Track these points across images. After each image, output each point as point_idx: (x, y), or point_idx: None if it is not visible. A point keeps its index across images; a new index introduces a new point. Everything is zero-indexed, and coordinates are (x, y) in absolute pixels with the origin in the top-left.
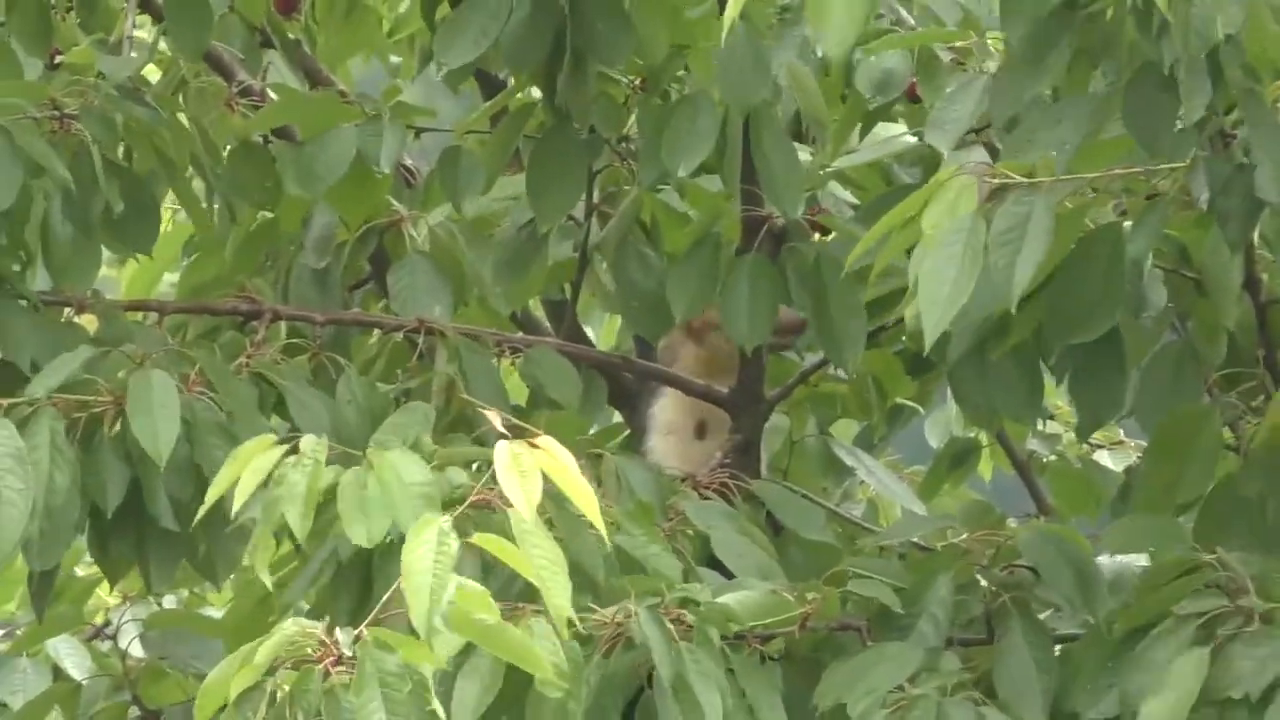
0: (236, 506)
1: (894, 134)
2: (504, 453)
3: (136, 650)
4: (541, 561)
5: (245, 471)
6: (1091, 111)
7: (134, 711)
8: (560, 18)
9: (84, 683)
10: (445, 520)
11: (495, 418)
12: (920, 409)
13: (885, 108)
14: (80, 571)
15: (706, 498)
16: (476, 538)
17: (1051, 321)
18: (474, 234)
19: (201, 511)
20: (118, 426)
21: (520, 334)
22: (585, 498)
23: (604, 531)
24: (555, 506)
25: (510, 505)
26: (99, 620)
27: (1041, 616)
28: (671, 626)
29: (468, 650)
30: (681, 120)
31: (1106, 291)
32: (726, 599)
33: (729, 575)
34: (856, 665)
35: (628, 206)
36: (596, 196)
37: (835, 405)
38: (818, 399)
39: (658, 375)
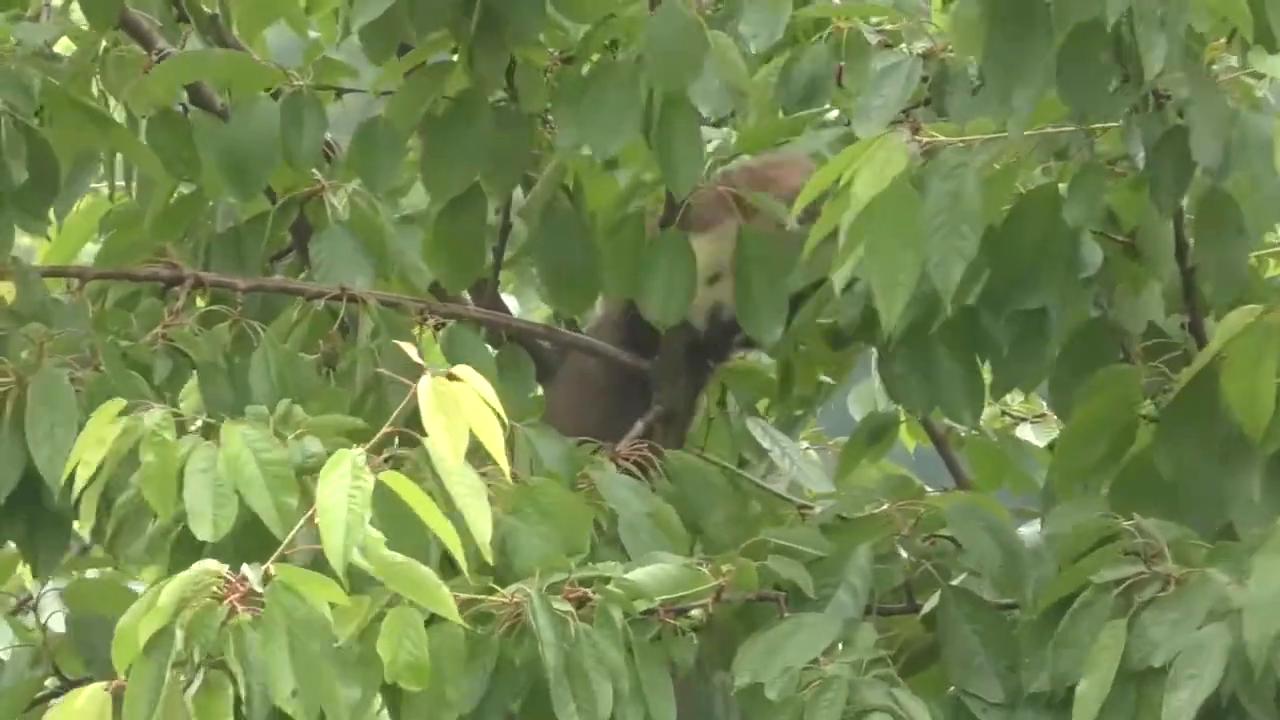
0: (79, 485)
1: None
2: (428, 389)
3: (58, 624)
4: (462, 490)
5: (83, 446)
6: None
7: (54, 683)
8: None
9: (3, 656)
10: (359, 454)
11: (410, 348)
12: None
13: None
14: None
15: (625, 470)
16: (384, 475)
17: (989, 289)
18: (393, 204)
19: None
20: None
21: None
22: (495, 441)
23: (508, 474)
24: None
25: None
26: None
27: (956, 582)
28: (571, 608)
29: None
30: (605, 96)
31: (1044, 256)
32: (638, 574)
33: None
34: (773, 639)
35: (551, 172)
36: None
37: (755, 382)
38: (737, 375)
39: (580, 344)
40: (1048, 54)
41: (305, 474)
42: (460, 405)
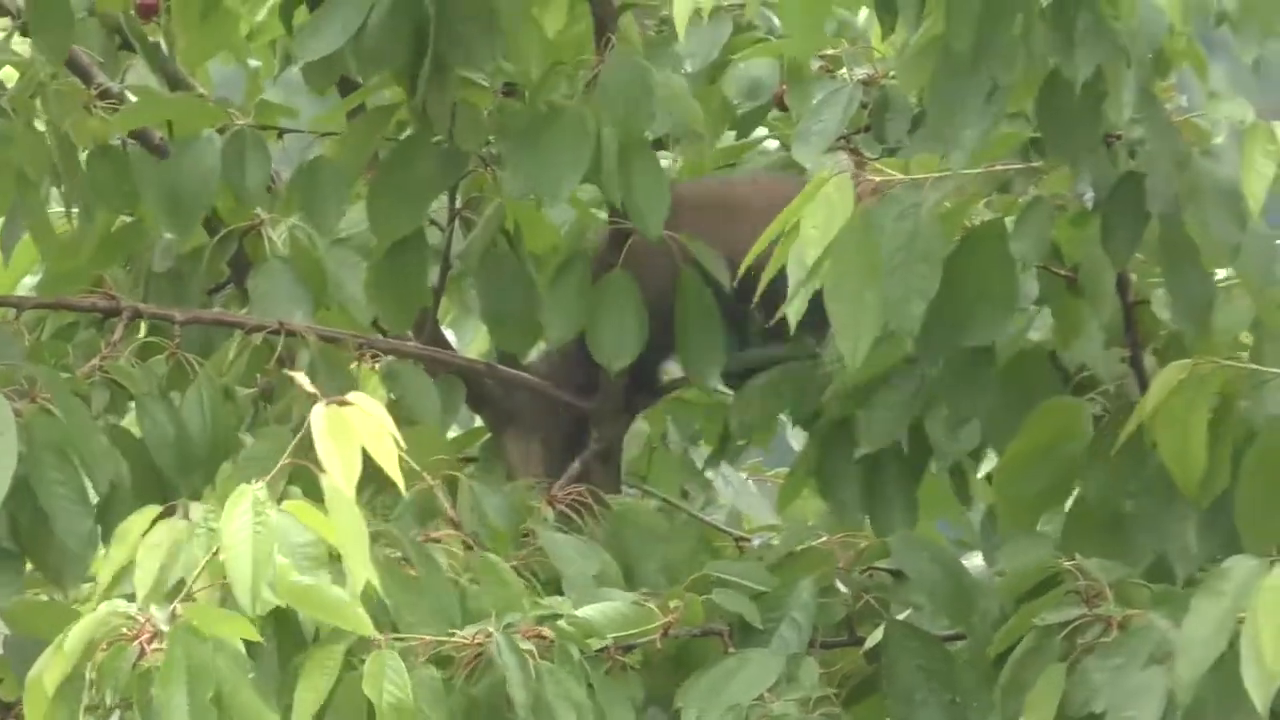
0: (142, 592)
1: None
2: (321, 418)
3: None
4: (345, 530)
5: (141, 551)
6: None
7: None
8: (423, 17)
9: None
10: (259, 488)
11: (302, 378)
12: None
13: (754, 115)
14: None
15: (562, 514)
16: (288, 505)
17: (936, 325)
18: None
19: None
20: None
21: (382, 338)
22: (390, 461)
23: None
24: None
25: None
26: None
27: (902, 617)
28: (531, 645)
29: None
30: (555, 140)
31: (992, 292)
32: (589, 611)
33: None
34: (717, 675)
35: (491, 214)
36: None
37: (697, 413)
38: (679, 406)
39: (521, 382)
40: (995, 93)
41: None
42: (353, 431)
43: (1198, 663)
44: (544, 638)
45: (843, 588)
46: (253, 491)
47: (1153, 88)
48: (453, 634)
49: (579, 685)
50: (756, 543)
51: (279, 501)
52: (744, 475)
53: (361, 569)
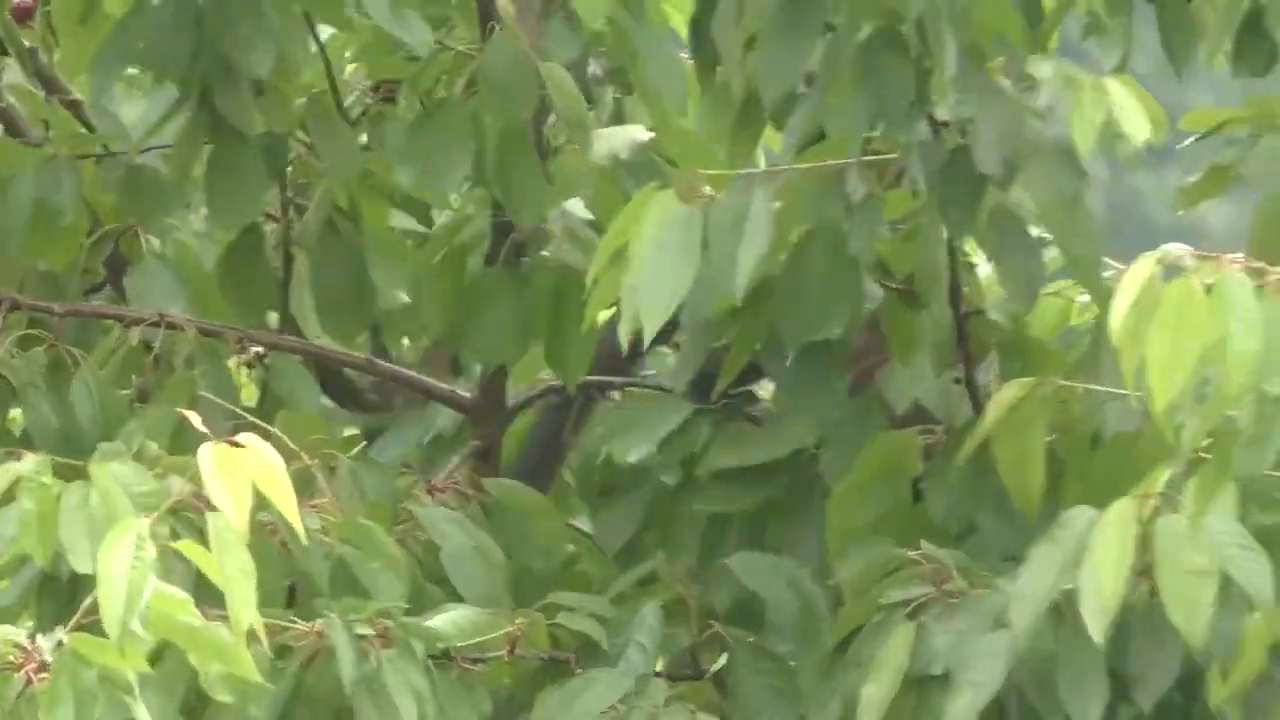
0: None
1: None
2: (210, 456)
3: None
4: (230, 570)
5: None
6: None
7: None
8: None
9: None
10: (143, 524)
11: (194, 418)
12: None
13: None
14: None
15: (442, 503)
16: (179, 544)
17: (783, 322)
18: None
19: None
20: None
21: (261, 332)
22: (287, 503)
23: (302, 536)
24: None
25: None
26: None
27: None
28: (372, 635)
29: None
30: (439, 133)
31: (834, 288)
32: (437, 621)
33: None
34: (566, 694)
35: (320, 199)
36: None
37: None
38: None
39: (399, 378)
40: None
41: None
42: (244, 470)
43: (1034, 606)
44: (387, 635)
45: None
46: (136, 527)
47: (981, 62)
48: (294, 621)
49: (421, 676)
50: None
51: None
52: None
53: (246, 611)
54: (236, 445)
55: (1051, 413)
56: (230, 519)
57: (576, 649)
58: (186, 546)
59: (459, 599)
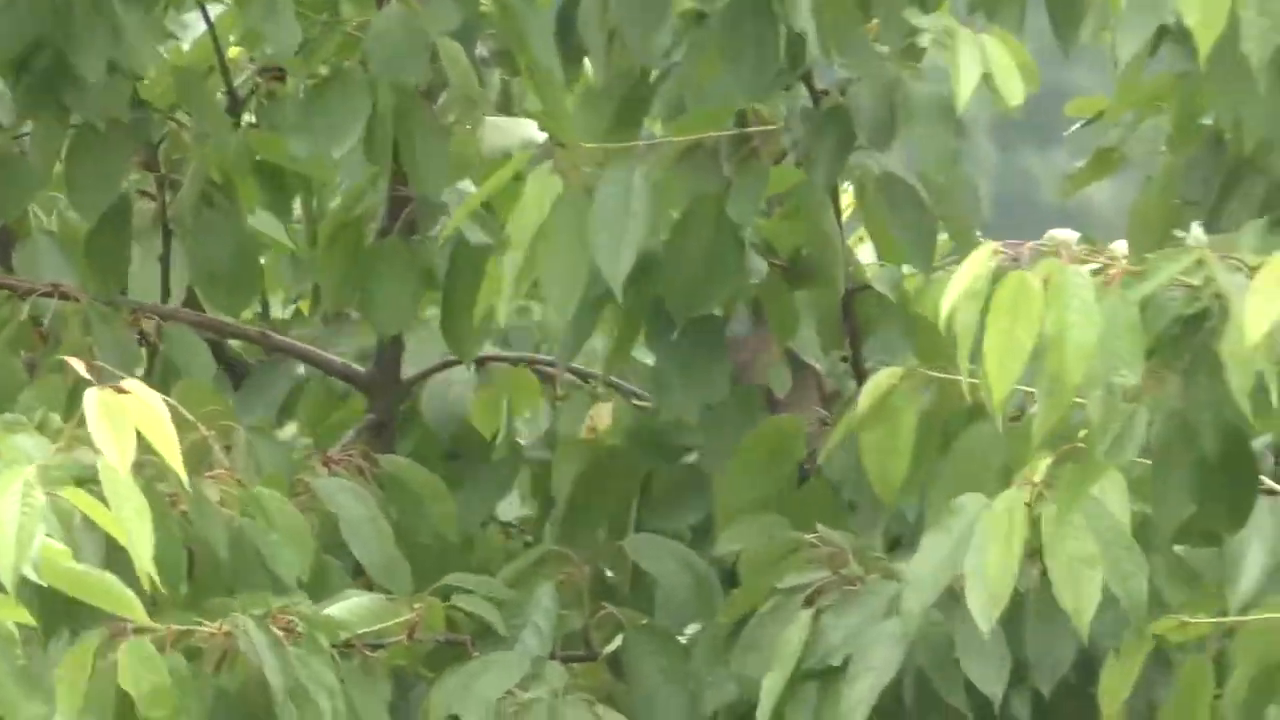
0: None
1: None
2: (94, 401)
3: None
4: (126, 512)
5: None
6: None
7: None
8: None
9: None
10: (30, 470)
11: (78, 364)
12: None
13: None
14: None
15: (336, 474)
16: (65, 491)
17: (667, 294)
18: None
19: None
20: None
21: (155, 304)
22: (170, 449)
23: (185, 480)
24: (182, 489)
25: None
26: None
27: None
28: (280, 634)
29: None
30: (331, 101)
31: (717, 262)
32: (335, 609)
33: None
34: (464, 676)
35: (194, 173)
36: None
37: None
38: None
39: (293, 350)
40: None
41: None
42: (128, 416)
43: (925, 594)
44: (291, 630)
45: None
46: (24, 474)
47: (858, 24)
48: (200, 624)
49: (330, 672)
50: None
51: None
52: None
53: (144, 550)
54: (122, 391)
55: (922, 401)
56: (113, 464)
57: (473, 632)
58: (76, 495)
59: (359, 570)
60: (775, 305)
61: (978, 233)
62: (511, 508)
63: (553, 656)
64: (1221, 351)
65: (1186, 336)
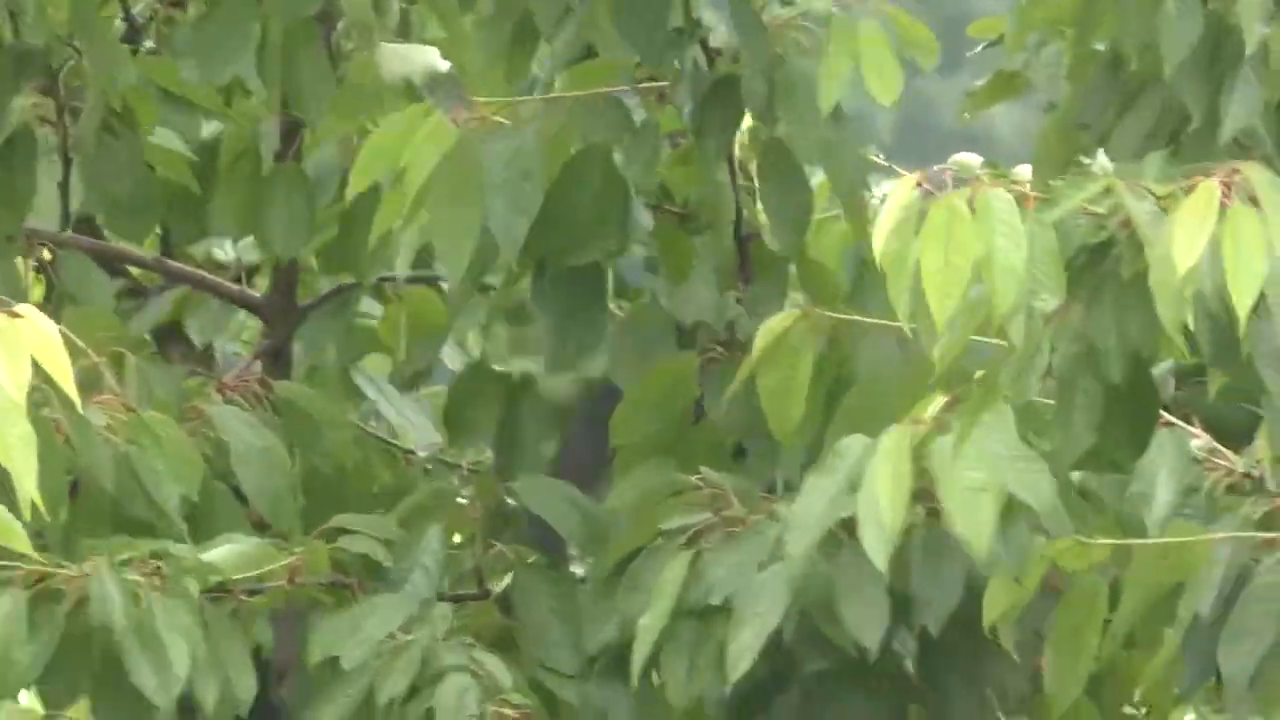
0: None
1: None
2: None
3: None
4: (10, 439)
5: None
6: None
7: None
8: None
9: None
10: None
11: None
12: None
13: None
14: None
15: (231, 401)
16: None
17: (547, 246)
18: None
19: None
20: None
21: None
22: (63, 374)
23: (78, 404)
24: (68, 415)
25: None
26: None
27: (531, 560)
28: (143, 579)
29: None
30: (219, 27)
31: (603, 210)
32: (212, 554)
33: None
34: (348, 618)
35: (94, 102)
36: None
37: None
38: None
39: (188, 278)
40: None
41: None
42: (22, 341)
43: (808, 536)
44: (160, 575)
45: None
46: None
47: None
48: (62, 566)
49: (192, 616)
50: (423, 454)
51: None
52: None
53: (28, 479)
54: (16, 316)
55: (819, 343)
56: (7, 389)
57: (360, 572)
58: None
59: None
60: (668, 251)
61: (880, 156)
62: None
63: (442, 597)
64: (1151, 284)
65: (1092, 264)
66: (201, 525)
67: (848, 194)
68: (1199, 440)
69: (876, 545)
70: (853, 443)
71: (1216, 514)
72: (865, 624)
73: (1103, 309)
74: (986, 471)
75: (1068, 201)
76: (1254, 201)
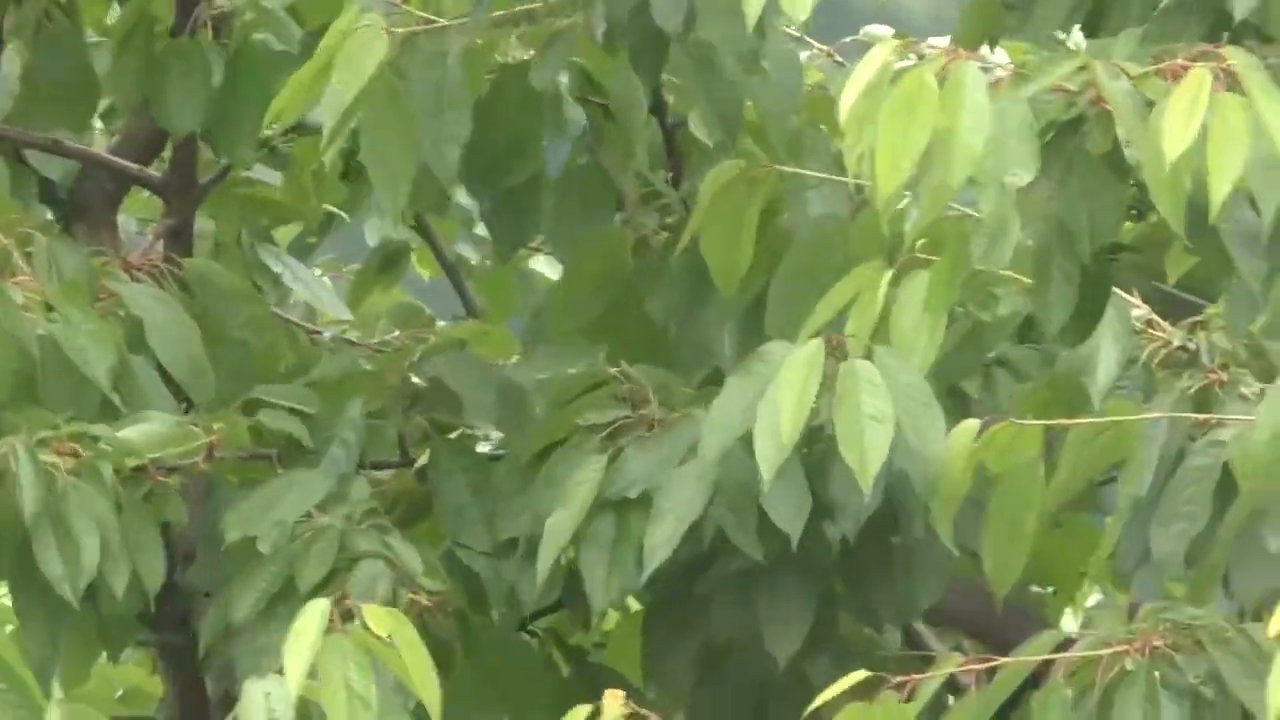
0: None
1: None
2: None
3: None
4: None
5: None
6: None
7: None
8: None
9: None
10: None
11: None
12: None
13: None
14: None
15: (138, 279)
16: None
17: (475, 163)
18: None
19: None
20: None
21: None
22: None
23: None
24: None
25: None
26: None
27: (454, 435)
28: (60, 460)
29: None
30: None
31: (526, 129)
32: (129, 431)
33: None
34: (265, 495)
35: None
36: None
37: (268, 210)
38: (249, 203)
39: (88, 158)
40: None
41: None
42: None
43: (723, 437)
44: (77, 455)
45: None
46: None
47: None
48: None
49: (106, 503)
50: (328, 335)
51: None
52: (317, 271)
53: None
54: None
55: (762, 195)
56: None
57: (280, 445)
58: None
59: (164, 373)
60: (604, 140)
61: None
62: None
63: (362, 466)
64: (1143, 177)
65: (1062, 141)
66: (124, 404)
67: (773, 118)
68: (1139, 311)
69: (767, 455)
70: (775, 349)
71: (1154, 387)
72: (787, 514)
73: (1073, 189)
74: (887, 403)
75: (1043, 78)
76: (1237, 87)
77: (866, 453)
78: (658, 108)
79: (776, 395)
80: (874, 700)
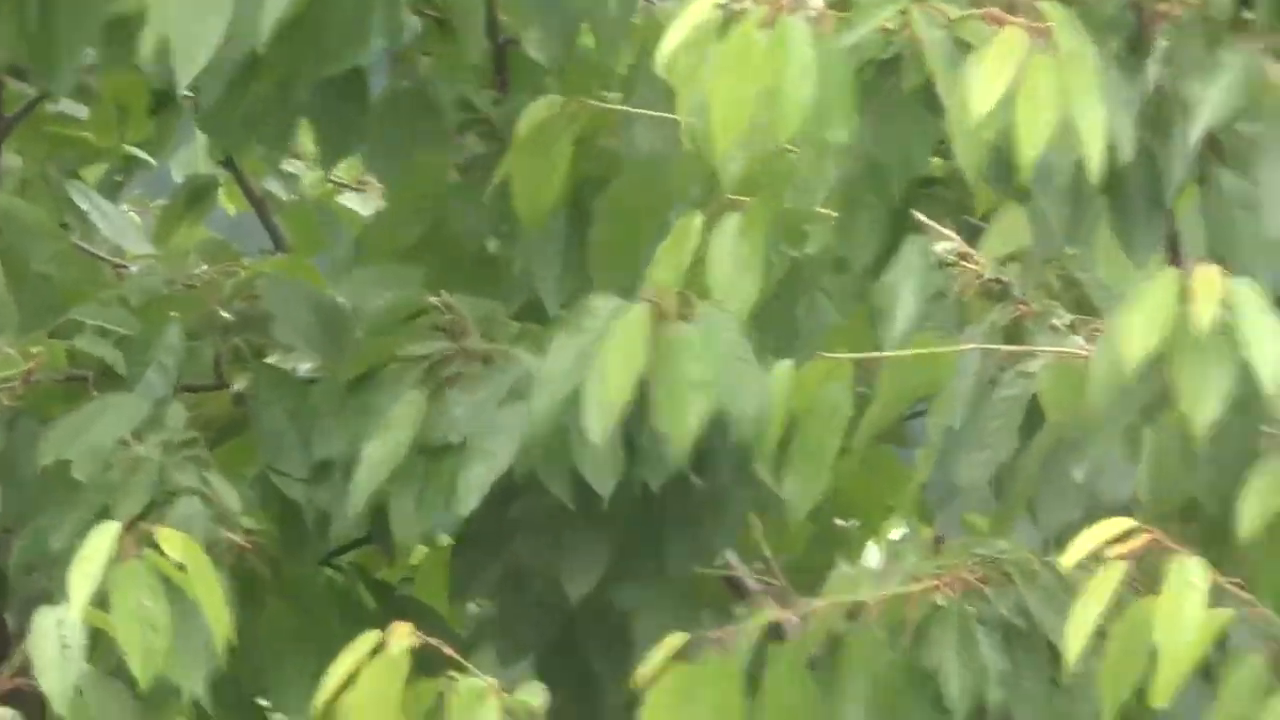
0: None
1: None
2: None
3: None
4: None
5: None
6: None
7: None
8: None
9: None
10: None
11: None
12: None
13: None
14: None
15: None
16: None
17: (304, 54)
18: None
19: None
20: None
21: None
22: None
23: None
24: None
25: None
26: None
27: (273, 359)
28: None
29: None
30: None
31: (357, 22)
32: None
33: None
34: (79, 419)
35: None
36: None
37: (75, 147)
38: (56, 140)
39: None
40: None
41: None
42: None
43: (553, 394)
44: None
45: (225, 315)
46: None
47: None
48: None
49: None
50: (135, 270)
51: None
52: (124, 207)
53: None
54: None
55: (579, 129)
56: None
57: (95, 369)
58: None
59: None
60: (434, 55)
61: None
62: None
63: (178, 389)
64: (948, 129)
65: (879, 80)
66: None
67: (611, 43)
68: (949, 243)
69: (595, 419)
70: (602, 305)
71: (966, 319)
72: (600, 474)
73: (886, 126)
74: (708, 368)
75: (865, 25)
76: (1051, 44)
77: (686, 421)
78: (490, 24)
79: (604, 364)
80: (696, 661)
